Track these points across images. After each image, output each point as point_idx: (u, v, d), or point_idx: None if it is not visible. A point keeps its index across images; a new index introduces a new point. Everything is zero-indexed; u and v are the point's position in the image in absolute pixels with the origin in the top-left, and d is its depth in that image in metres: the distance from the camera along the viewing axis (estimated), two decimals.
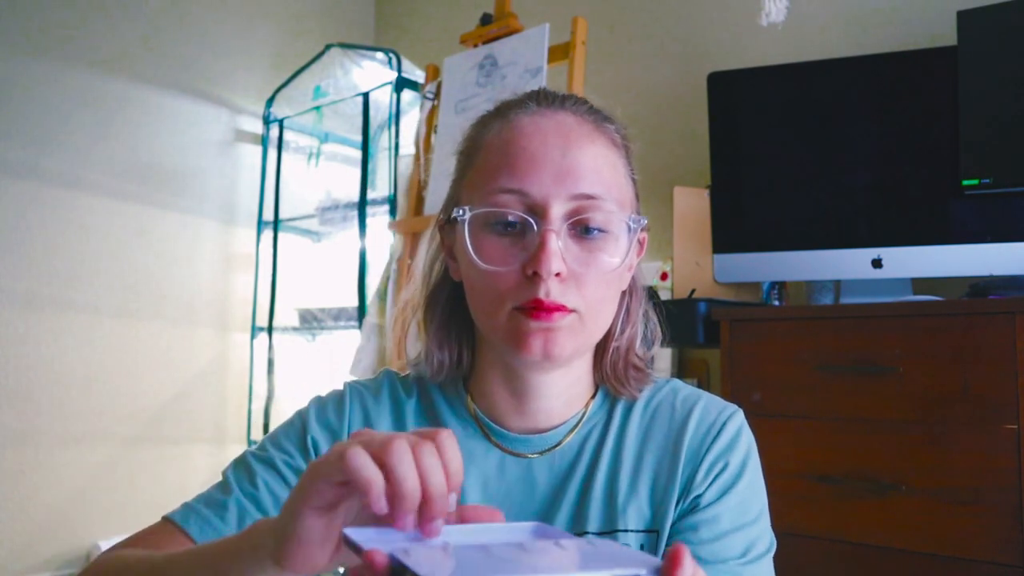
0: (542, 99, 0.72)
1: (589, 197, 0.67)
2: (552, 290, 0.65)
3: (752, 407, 1.68)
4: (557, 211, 0.66)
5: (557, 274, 0.65)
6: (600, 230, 0.68)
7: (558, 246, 0.65)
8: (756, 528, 0.69)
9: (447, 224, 0.74)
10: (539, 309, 0.65)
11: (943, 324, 1.50)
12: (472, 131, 0.75)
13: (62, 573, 2.51)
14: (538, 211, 0.66)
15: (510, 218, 0.66)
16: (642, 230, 0.75)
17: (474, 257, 0.67)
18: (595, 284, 0.67)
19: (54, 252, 2.57)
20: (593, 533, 0.70)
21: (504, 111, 0.73)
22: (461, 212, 0.68)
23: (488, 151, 0.70)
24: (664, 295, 2.16)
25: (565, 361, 0.69)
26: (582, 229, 0.67)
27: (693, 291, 1.98)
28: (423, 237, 0.84)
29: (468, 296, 0.72)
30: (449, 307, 0.77)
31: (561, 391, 0.74)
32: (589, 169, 0.67)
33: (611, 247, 0.68)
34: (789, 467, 1.62)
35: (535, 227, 0.66)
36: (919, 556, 1.47)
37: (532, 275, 0.65)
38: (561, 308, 0.65)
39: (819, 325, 1.66)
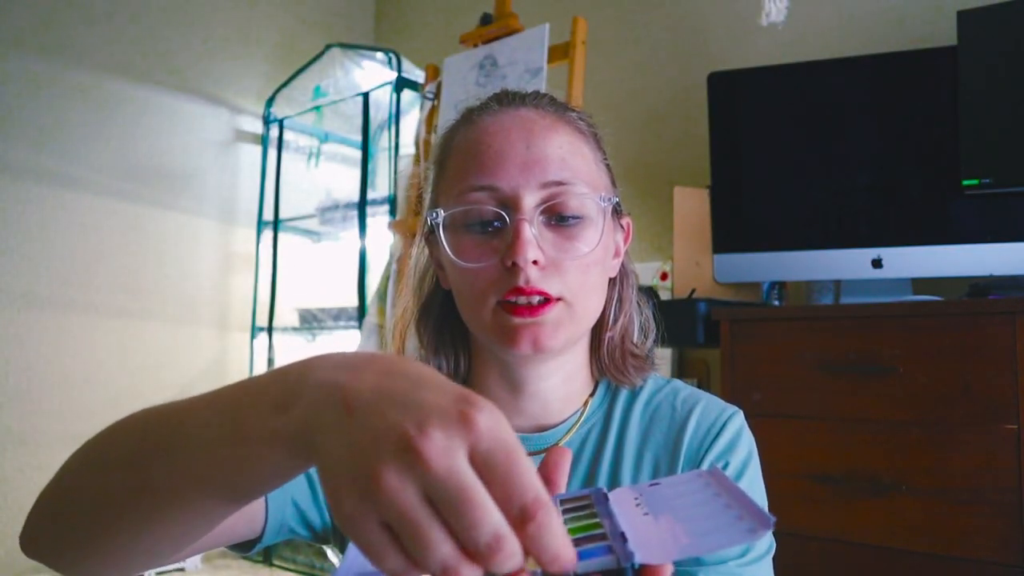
0: (503, 99, 0.74)
1: (559, 184, 0.67)
2: (532, 277, 0.65)
3: (752, 407, 1.68)
4: (528, 201, 0.66)
5: (535, 262, 0.65)
6: (574, 216, 0.68)
7: (533, 235, 0.65)
8: None
9: (431, 235, 0.74)
10: (522, 296, 0.65)
11: (943, 324, 1.50)
12: (442, 139, 0.77)
13: None
14: (510, 204, 0.67)
15: (484, 214, 0.67)
16: (621, 214, 0.76)
17: (453, 257, 0.68)
18: (576, 270, 0.67)
19: (54, 252, 2.57)
20: None
21: (468, 115, 0.74)
22: (435, 215, 0.70)
23: (456, 154, 0.72)
24: (664, 295, 2.16)
25: (558, 352, 0.69)
26: (556, 218, 0.68)
27: (693, 291, 1.98)
28: (412, 246, 0.84)
29: (456, 299, 0.73)
30: (443, 314, 0.78)
31: (558, 385, 0.74)
32: (555, 157, 0.68)
33: (587, 231, 0.69)
34: (789, 467, 1.62)
35: (508, 220, 0.66)
36: (919, 556, 1.47)
37: (511, 266, 0.65)
38: (543, 293, 0.66)
39: (819, 325, 1.66)
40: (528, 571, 0.34)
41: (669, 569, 0.37)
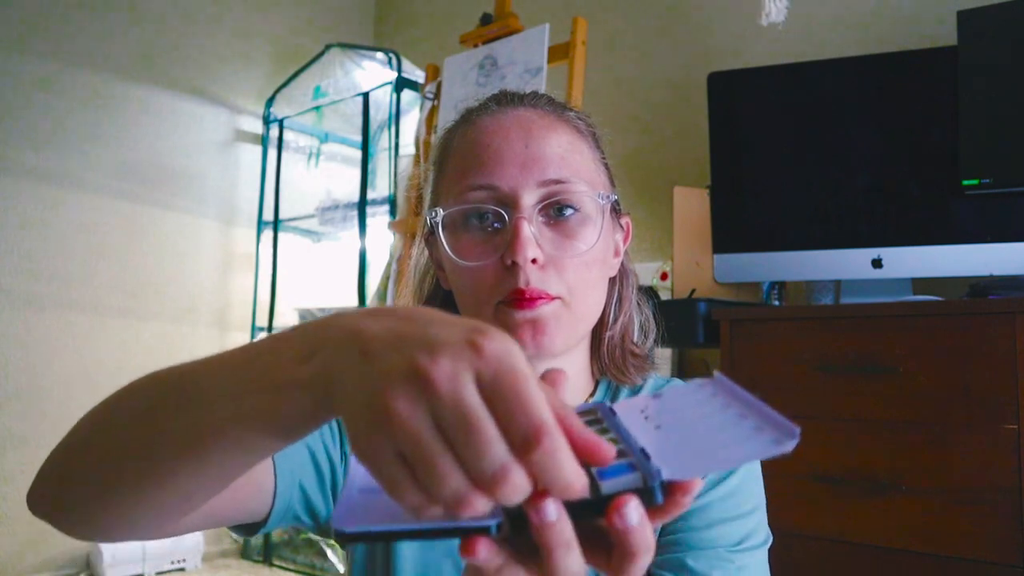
0: (502, 99, 0.74)
1: (557, 182, 0.68)
2: (532, 278, 0.65)
3: None
4: (527, 200, 0.67)
5: (534, 261, 0.65)
6: (572, 208, 0.68)
7: (532, 232, 0.66)
8: (751, 520, 0.69)
9: (431, 235, 0.75)
10: (523, 300, 0.65)
11: (943, 324, 1.50)
12: (441, 140, 0.77)
13: (62, 573, 2.51)
14: (509, 202, 0.67)
15: (483, 212, 0.68)
16: (621, 213, 0.76)
17: (453, 256, 0.68)
18: (575, 267, 0.68)
19: (54, 252, 2.57)
20: None
21: (467, 116, 0.75)
22: (434, 214, 0.70)
23: (456, 155, 0.72)
24: (664, 295, 2.16)
25: (558, 352, 0.70)
26: (555, 212, 0.68)
27: (693, 291, 1.98)
28: (412, 246, 0.84)
29: (456, 299, 0.73)
30: None
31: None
32: (554, 156, 0.68)
33: (586, 229, 0.69)
34: (789, 467, 1.61)
35: (507, 218, 0.67)
36: (919, 556, 1.47)
37: (511, 265, 0.65)
38: (544, 295, 0.66)
39: (819, 325, 1.66)
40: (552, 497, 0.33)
41: (698, 484, 0.36)
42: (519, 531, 0.34)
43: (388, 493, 0.33)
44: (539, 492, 0.33)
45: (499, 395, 0.32)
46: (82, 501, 0.48)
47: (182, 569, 2.68)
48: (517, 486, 0.32)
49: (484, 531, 0.34)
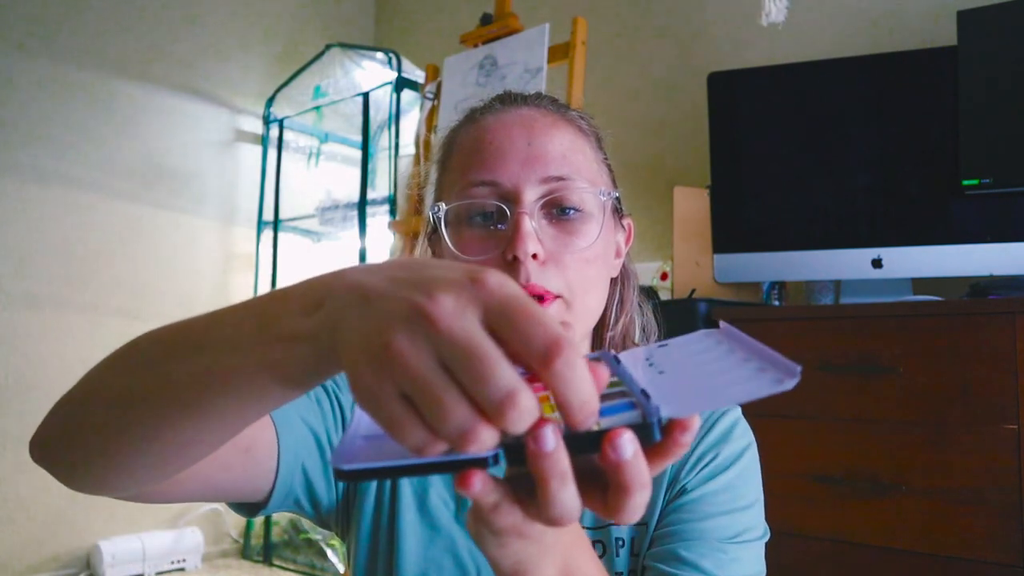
0: (506, 99, 0.75)
1: (559, 179, 0.68)
2: (533, 274, 0.65)
3: (752, 407, 1.67)
4: (529, 196, 0.67)
5: (535, 256, 0.66)
6: (574, 209, 0.69)
7: (533, 228, 0.66)
8: (748, 515, 0.69)
9: (434, 233, 0.75)
10: None
11: (943, 324, 1.50)
12: (445, 139, 0.78)
13: (62, 573, 2.51)
14: (511, 198, 0.68)
15: (484, 208, 0.68)
16: (623, 214, 0.77)
17: (454, 251, 0.69)
18: (576, 265, 0.68)
19: (54, 252, 2.57)
20: (588, 528, 0.70)
21: (472, 115, 0.76)
22: (436, 209, 0.71)
23: (459, 152, 0.73)
24: (664, 295, 2.16)
25: None
26: (556, 211, 0.69)
27: (693, 291, 1.98)
28: (415, 248, 0.85)
29: None
30: None
31: None
32: (556, 154, 0.69)
33: (587, 226, 0.69)
34: (789, 467, 1.62)
35: (509, 214, 0.67)
36: (919, 556, 1.47)
37: (512, 260, 0.65)
38: (545, 293, 0.66)
39: (819, 325, 1.66)
40: (553, 421, 0.33)
41: (696, 422, 0.36)
42: (516, 463, 0.34)
43: (391, 434, 0.33)
44: (538, 421, 0.33)
45: (511, 319, 0.32)
46: (84, 445, 0.48)
47: (182, 569, 2.68)
48: (525, 409, 0.31)
49: (481, 464, 0.34)
